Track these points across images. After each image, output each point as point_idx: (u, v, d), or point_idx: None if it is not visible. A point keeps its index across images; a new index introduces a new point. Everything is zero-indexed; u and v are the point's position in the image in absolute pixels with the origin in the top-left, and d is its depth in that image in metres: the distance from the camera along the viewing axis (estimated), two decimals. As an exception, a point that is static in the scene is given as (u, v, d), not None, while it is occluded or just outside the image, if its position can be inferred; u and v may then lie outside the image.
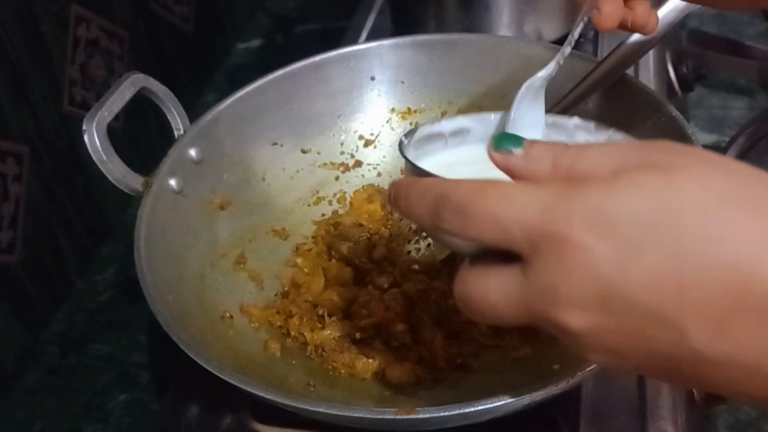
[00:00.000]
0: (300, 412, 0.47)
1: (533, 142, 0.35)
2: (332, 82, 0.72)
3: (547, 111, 0.58)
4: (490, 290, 0.34)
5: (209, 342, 0.55)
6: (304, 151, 0.72)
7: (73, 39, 0.79)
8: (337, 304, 0.62)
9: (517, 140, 0.35)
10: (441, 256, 0.63)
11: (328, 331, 0.60)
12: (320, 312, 0.62)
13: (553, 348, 0.55)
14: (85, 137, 0.57)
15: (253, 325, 0.61)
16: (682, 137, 0.57)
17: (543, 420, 0.55)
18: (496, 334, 0.58)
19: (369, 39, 0.91)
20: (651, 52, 0.85)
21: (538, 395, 0.45)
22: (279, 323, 0.61)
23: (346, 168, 0.73)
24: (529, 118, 0.55)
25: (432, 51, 0.72)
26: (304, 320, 0.61)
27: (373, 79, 0.72)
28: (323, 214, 0.71)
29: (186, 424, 0.59)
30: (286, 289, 0.65)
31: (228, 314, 0.60)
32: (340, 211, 0.72)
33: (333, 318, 0.61)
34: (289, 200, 0.71)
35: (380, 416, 0.46)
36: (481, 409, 0.45)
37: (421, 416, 0.45)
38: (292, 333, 0.60)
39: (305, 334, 0.60)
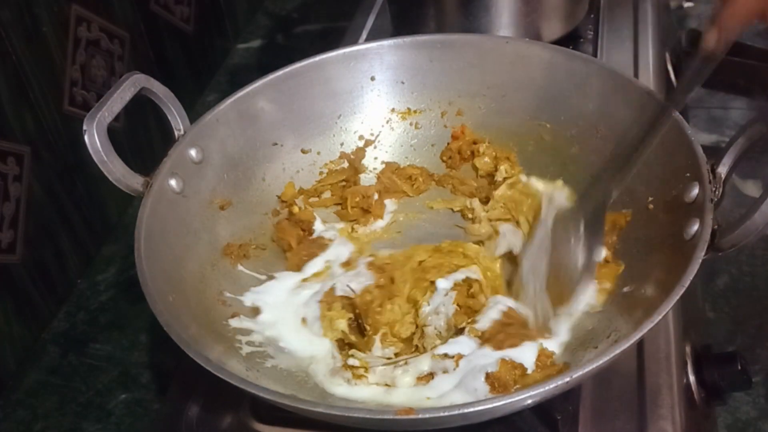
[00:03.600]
0: (300, 412, 0.47)
1: None
2: (332, 82, 0.72)
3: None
4: None
5: (209, 342, 0.55)
6: (304, 151, 0.72)
7: (74, 40, 0.79)
8: None
9: None
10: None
11: None
12: None
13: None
14: (86, 137, 0.57)
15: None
16: (682, 138, 0.57)
17: (543, 420, 0.55)
18: None
19: (369, 39, 0.91)
20: (650, 53, 0.85)
21: (537, 395, 0.45)
22: None
23: (347, 168, 0.74)
24: None
25: (432, 51, 0.72)
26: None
27: (373, 79, 0.73)
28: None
29: (186, 424, 0.59)
30: None
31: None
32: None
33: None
34: (290, 200, 0.71)
35: (380, 416, 0.46)
36: (481, 409, 0.45)
37: (420, 416, 0.45)
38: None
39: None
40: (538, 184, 0.68)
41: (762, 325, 0.73)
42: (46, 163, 0.76)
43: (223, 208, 0.66)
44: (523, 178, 0.69)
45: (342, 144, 0.73)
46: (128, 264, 0.83)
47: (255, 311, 0.62)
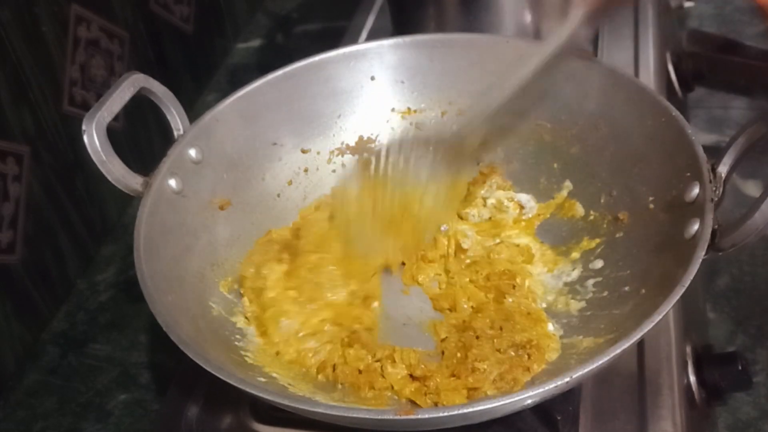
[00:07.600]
0: (300, 412, 0.47)
1: None
2: (332, 82, 0.72)
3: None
4: None
5: (209, 342, 0.55)
6: (304, 151, 0.72)
7: (74, 39, 0.79)
8: None
9: None
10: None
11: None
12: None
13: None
14: (85, 137, 0.57)
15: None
16: (682, 137, 0.57)
17: (543, 420, 0.55)
18: None
19: (369, 39, 0.91)
20: (651, 53, 0.85)
21: (537, 395, 0.45)
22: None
23: (346, 168, 0.73)
24: None
25: (432, 51, 0.71)
26: None
27: (373, 79, 0.72)
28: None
29: (186, 424, 0.59)
30: None
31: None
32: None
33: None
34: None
35: (380, 416, 0.46)
36: (481, 409, 0.44)
37: (420, 416, 0.45)
38: None
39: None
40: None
41: (762, 326, 0.73)
42: (45, 163, 0.76)
43: (223, 208, 0.66)
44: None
45: (342, 144, 0.73)
46: (128, 264, 0.83)
47: None
